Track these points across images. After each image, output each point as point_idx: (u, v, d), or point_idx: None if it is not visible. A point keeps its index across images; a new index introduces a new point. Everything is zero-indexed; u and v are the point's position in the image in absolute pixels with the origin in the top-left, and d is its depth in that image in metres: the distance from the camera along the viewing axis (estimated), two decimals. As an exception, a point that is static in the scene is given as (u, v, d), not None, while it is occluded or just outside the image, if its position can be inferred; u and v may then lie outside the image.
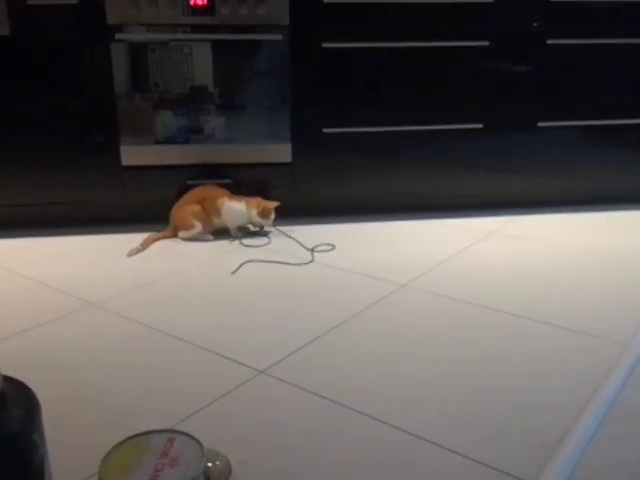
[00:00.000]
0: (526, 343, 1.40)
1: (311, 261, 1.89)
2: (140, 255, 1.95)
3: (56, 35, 1.94)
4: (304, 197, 2.22)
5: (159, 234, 2.08)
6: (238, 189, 2.12)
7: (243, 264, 1.86)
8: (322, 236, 2.11)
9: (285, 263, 1.88)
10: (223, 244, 2.05)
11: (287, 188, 2.19)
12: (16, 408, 0.73)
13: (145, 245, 2.01)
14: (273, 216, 2.05)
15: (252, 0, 1.97)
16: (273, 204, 2.05)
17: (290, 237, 2.09)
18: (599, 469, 1.01)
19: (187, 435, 0.84)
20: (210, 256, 1.95)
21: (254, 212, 2.05)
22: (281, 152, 2.16)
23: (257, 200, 2.06)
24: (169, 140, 2.12)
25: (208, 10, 1.97)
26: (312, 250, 1.98)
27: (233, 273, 1.81)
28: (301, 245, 2.02)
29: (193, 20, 1.98)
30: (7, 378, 0.76)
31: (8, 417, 0.72)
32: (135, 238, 2.04)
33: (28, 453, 0.73)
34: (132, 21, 1.95)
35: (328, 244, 2.03)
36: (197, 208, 2.05)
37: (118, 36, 1.96)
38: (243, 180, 2.16)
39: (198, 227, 2.06)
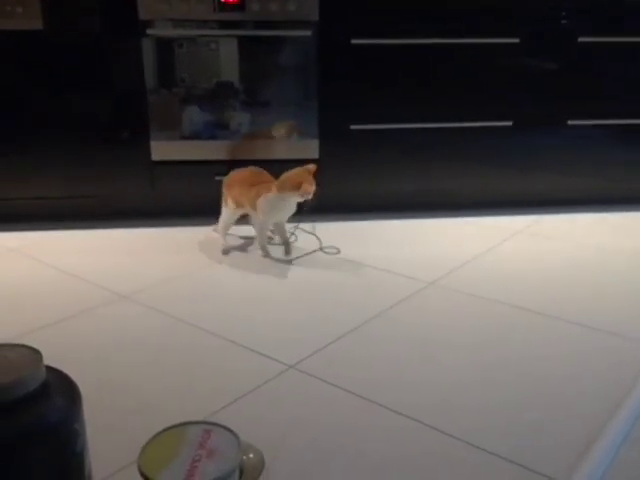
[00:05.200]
0: (557, 344, 1.39)
1: (338, 258, 1.89)
2: (168, 249, 1.97)
3: (88, 30, 1.96)
4: (331, 194, 2.22)
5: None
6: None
7: (271, 260, 1.87)
8: (349, 233, 2.10)
9: (312, 259, 1.88)
10: (250, 240, 2.06)
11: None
12: (59, 397, 0.75)
13: (222, 235, 1.97)
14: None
15: (282, -4, 1.98)
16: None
17: (315, 235, 2.09)
18: (631, 470, 1.00)
19: (223, 427, 0.85)
20: (239, 251, 1.96)
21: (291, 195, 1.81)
22: (308, 148, 2.16)
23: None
24: (195, 135, 2.13)
25: (238, 6, 1.98)
26: (338, 247, 1.98)
27: (262, 269, 1.81)
28: (328, 242, 2.02)
29: (223, 16, 1.99)
30: (50, 368, 0.78)
31: (51, 406, 0.73)
32: (162, 232, 2.05)
33: (70, 441, 0.75)
34: (163, 17, 1.97)
35: (355, 241, 2.03)
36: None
37: (149, 31, 1.97)
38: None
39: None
